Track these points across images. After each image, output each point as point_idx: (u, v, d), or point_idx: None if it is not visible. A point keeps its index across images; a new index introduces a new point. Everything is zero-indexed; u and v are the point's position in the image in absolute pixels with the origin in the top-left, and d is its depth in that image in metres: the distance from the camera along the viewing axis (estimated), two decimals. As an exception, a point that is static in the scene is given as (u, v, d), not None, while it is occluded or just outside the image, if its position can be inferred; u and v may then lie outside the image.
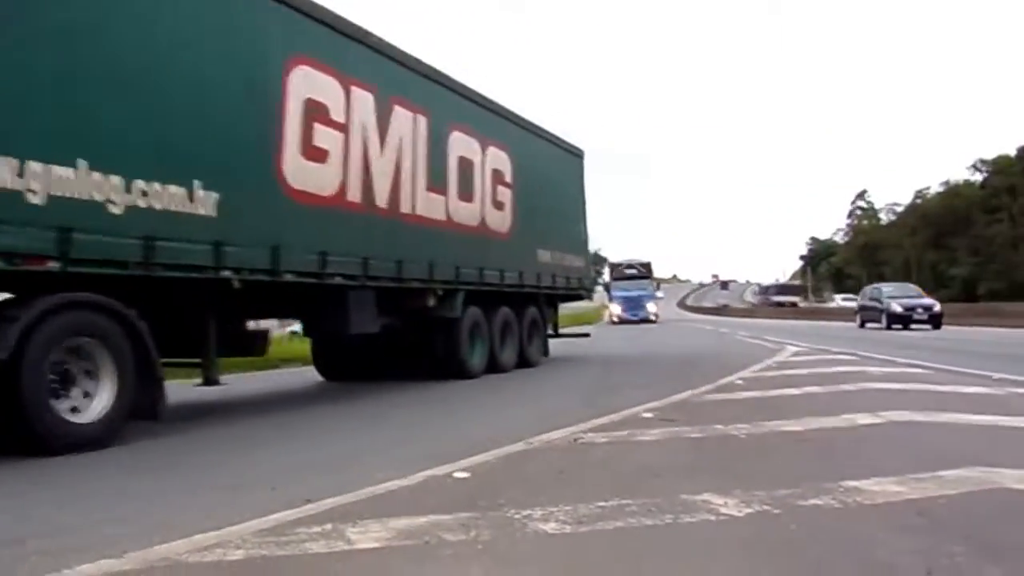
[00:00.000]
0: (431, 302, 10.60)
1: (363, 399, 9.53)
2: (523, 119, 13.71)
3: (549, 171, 14.59)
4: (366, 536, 3.31)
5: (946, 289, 76.35)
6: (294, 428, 7.29)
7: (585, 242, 16.23)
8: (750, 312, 70.89)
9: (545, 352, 14.47)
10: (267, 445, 6.48)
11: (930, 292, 33.03)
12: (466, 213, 11.62)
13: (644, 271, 47.82)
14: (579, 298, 16.20)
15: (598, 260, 60.10)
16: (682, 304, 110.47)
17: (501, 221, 12.70)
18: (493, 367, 12.22)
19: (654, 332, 30.79)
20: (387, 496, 4.09)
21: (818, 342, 19.27)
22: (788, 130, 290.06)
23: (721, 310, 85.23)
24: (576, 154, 16.16)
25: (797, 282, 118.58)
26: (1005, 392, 8.15)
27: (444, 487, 4.29)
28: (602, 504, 3.82)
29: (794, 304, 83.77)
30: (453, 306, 11.06)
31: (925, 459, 4.66)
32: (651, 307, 45.36)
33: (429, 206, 10.56)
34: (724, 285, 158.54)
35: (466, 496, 4.00)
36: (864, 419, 6.31)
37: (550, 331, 15.03)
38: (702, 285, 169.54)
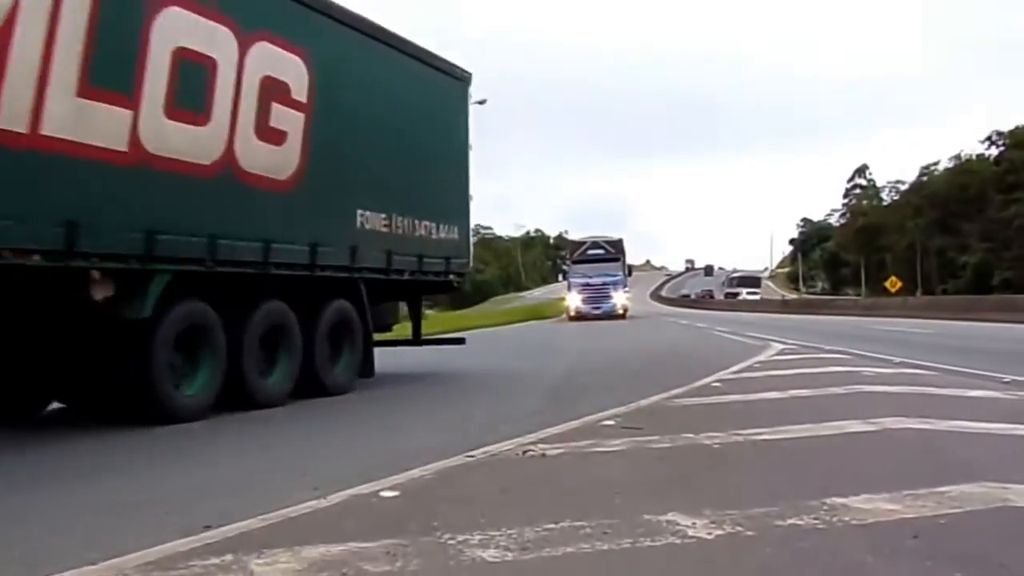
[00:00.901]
0: (99, 293, 7.42)
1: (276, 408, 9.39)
2: (345, 11, 10.29)
3: (398, 95, 11.42)
4: (273, 568, 3.25)
5: (955, 280, 77.38)
6: (193, 442, 7.17)
7: (465, 206, 13.08)
8: (733, 305, 71.94)
9: (367, 371, 11.16)
10: (162, 462, 6.36)
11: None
12: (187, 141, 8.09)
13: (612, 251, 43.37)
14: (445, 289, 13.37)
15: (563, 245, 61.00)
16: (656, 295, 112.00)
17: (275, 162, 9.26)
18: (237, 397, 8.85)
19: (621, 328, 31.14)
20: (300, 520, 4.03)
21: (809, 339, 19.57)
22: (780, 92, 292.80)
23: (701, 301, 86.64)
24: (456, 77, 12.88)
25: (761, 270, 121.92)
26: (1017, 397, 8.26)
27: (368, 508, 4.24)
28: (551, 526, 3.79)
29: (754, 295, 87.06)
30: (140, 300, 7.68)
31: (923, 473, 4.71)
32: (618, 298, 41.62)
33: (85, 122, 7.03)
34: (708, 271, 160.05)
35: (394, 519, 3.96)
36: (854, 427, 6.38)
37: (409, 337, 12.71)
38: (681, 273, 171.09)
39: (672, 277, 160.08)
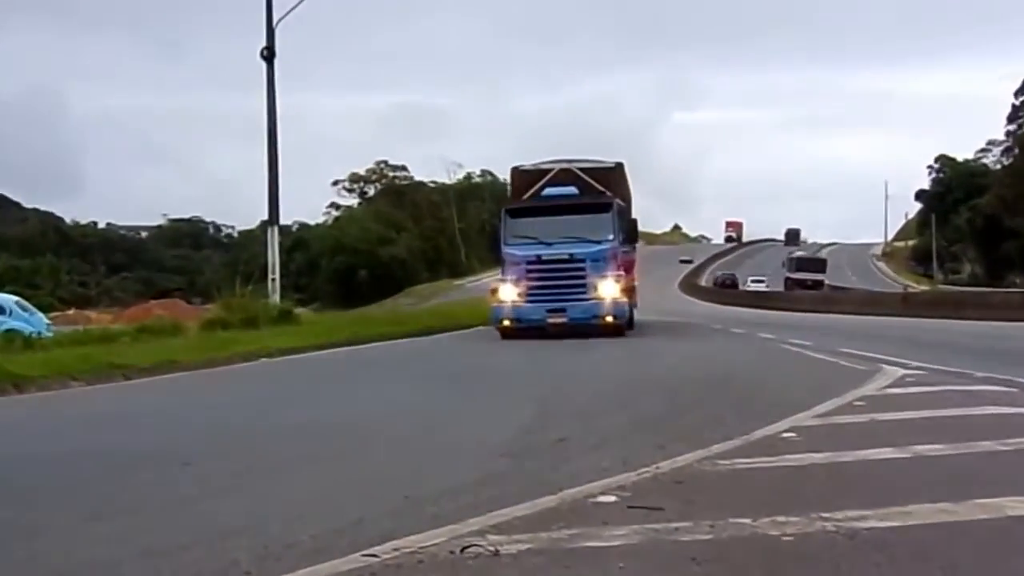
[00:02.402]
0: None
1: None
2: None
3: None
4: None
5: None
6: None
7: None
8: (808, 303, 62.57)
9: None
10: None
11: None
12: None
13: (596, 192, 29.80)
14: None
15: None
16: (689, 284, 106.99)
17: None
18: None
19: (625, 342, 27.04)
20: None
21: (948, 359, 17.49)
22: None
23: (732, 292, 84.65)
24: None
25: (822, 255, 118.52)
26: None
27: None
28: None
29: (819, 284, 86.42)
30: None
31: None
32: (606, 289, 27.42)
33: None
34: (792, 237, 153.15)
35: None
36: (1020, 508, 5.81)
37: None
38: (733, 247, 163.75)
39: (724, 253, 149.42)
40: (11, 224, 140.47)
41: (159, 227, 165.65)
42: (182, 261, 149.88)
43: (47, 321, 39.48)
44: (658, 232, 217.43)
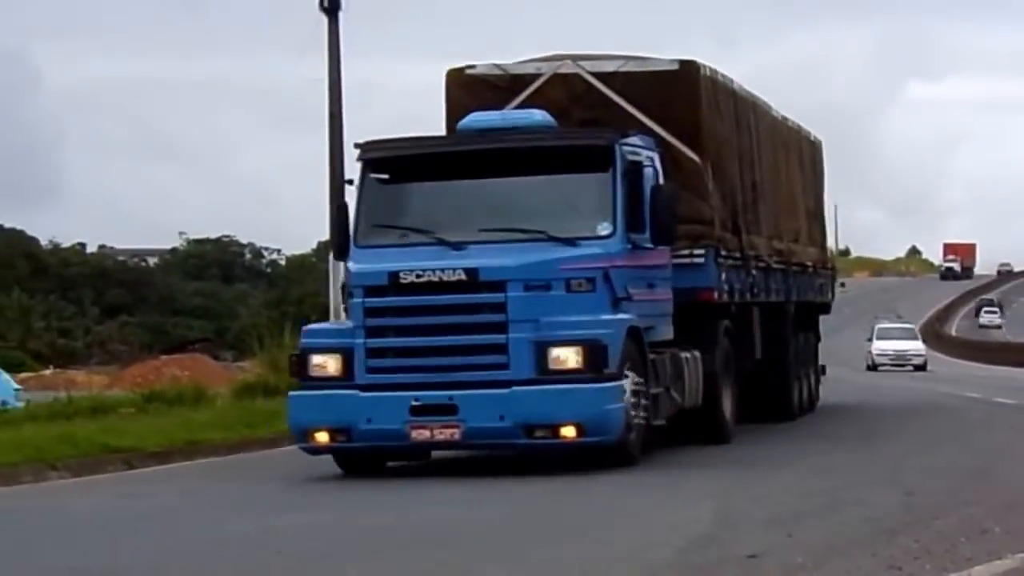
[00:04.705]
0: None
1: None
2: None
3: None
4: None
5: None
6: None
7: None
8: None
9: None
10: None
11: None
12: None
13: (580, 129, 21.76)
14: None
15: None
16: (935, 332, 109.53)
17: None
18: None
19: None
20: None
21: None
22: None
23: None
24: None
25: None
26: None
27: None
28: None
29: None
30: None
31: None
32: (572, 356, 19.17)
33: None
34: None
35: None
36: None
37: None
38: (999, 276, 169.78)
39: (974, 291, 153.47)
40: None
41: (173, 251, 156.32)
42: (206, 299, 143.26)
43: (16, 386, 38.93)
44: (887, 258, 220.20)
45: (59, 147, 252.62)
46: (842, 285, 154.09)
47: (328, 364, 19.22)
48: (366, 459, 19.72)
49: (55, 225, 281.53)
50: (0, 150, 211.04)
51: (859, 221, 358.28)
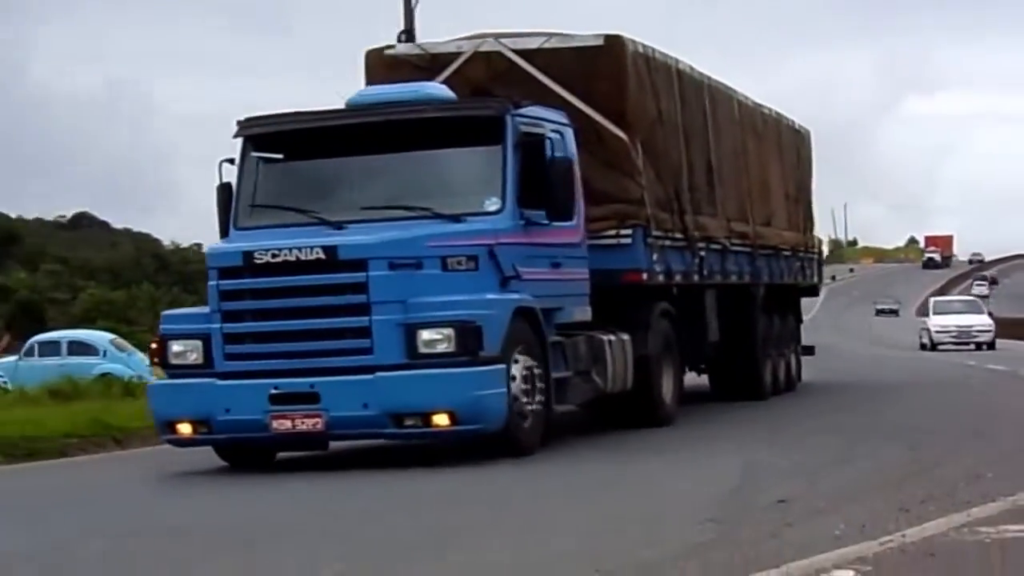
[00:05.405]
0: None
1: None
2: None
3: None
4: None
5: None
6: None
7: None
8: None
9: None
10: None
11: None
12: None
13: (471, 100, 20.04)
14: None
15: None
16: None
17: None
18: None
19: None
20: None
21: None
22: None
23: None
24: None
25: None
26: None
27: None
28: None
29: None
30: None
31: None
32: (439, 339, 17.39)
33: None
34: None
35: None
36: None
37: None
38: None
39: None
40: (100, 249, 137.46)
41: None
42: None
43: (147, 362, 38.53)
44: (889, 247, 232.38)
45: (175, 162, 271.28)
46: (851, 270, 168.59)
47: (188, 351, 17.35)
48: (251, 451, 17.58)
49: (176, 229, 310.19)
50: (129, 167, 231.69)
51: (865, 215, 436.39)
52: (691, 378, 24.14)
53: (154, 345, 17.96)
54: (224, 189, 18.61)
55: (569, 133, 18.72)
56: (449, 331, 16.25)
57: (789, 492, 11.14)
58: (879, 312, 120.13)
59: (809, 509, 10.01)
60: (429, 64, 20.95)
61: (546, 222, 17.82)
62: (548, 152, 18.03)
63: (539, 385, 16.46)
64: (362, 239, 16.91)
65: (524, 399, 16.15)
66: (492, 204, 17.59)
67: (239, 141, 18.42)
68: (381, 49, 21.51)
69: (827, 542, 8.01)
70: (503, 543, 9.62)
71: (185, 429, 16.87)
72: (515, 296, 16.86)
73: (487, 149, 18.11)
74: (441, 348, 16.32)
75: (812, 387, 28.43)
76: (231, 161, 18.45)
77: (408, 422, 16.34)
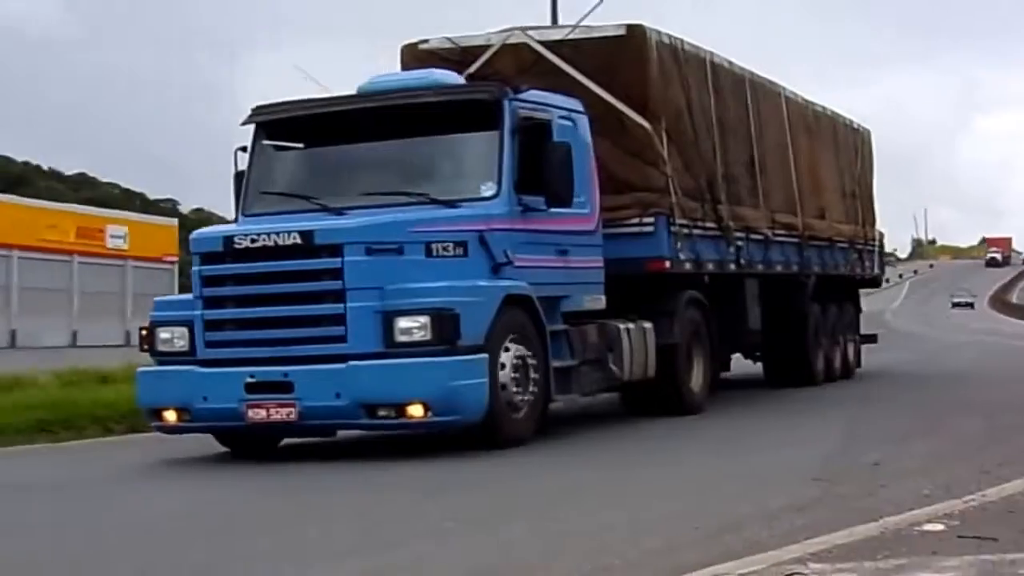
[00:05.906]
0: None
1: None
2: None
3: None
4: None
5: None
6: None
7: None
8: None
9: None
10: None
11: None
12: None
13: (469, 86, 20.14)
14: None
15: None
16: (1001, 300, 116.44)
17: None
18: None
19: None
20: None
21: None
22: None
23: None
24: None
25: None
26: None
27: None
28: None
29: None
30: None
31: None
32: (419, 328, 16.73)
33: None
34: None
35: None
36: None
37: None
38: None
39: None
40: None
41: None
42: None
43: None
44: (963, 246, 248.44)
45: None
46: (930, 265, 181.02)
47: (174, 338, 16.85)
48: (252, 439, 16.98)
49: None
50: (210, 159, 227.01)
51: (944, 218, 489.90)
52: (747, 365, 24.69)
53: (143, 332, 17.36)
54: (239, 178, 18.55)
55: (583, 120, 18.13)
56: (425, 319, 15.47)
57: (884, 455, 11.66)
58: (955, 305, 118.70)
59: (899, 471, 10.44)
60: (460, 57, 20.61)
61: (544, 208, 17.19)
62: (553, 138, 17.35)
63: (533, 375, 15.67)
64: (339, 223, 16.49)
65: (515, 389, 15.34)
66: (488, 189, 16.99)
67: (251, 128, 18.24)
68: (416, 43, 21.24)
69: (917, 500, 8.40)
70: (618, 504, 9.89)
71: (171, 416, 16.52)
72: (505, 283, 16.03)
73: (485, 134, 17.52)
74: (418, 336, 15.59)
75: (893, 369, 29.35)
76: (244, 149, 18.23)
77: (381, 412, 15.64)
